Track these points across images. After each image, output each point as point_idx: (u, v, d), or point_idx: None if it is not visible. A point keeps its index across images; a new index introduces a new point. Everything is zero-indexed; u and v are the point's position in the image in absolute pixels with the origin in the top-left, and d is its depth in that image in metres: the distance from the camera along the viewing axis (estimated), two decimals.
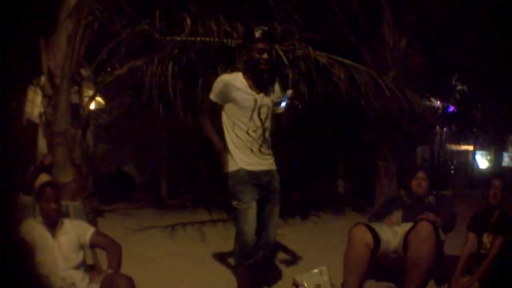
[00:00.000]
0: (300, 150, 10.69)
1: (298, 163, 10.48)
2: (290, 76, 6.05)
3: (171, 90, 5.98)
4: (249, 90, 3.80)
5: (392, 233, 4.40)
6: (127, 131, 10.65)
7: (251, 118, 3.81)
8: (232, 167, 3.85)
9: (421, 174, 4.92)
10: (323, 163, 11.51)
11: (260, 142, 3.86)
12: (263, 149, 3.89)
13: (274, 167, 4.04)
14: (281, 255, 5.46)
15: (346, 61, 6.48)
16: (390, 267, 4.55)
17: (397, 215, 4.68)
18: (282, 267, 5.11)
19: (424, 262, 3.98)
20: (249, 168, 3.84)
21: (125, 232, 6.03)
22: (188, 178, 10.50)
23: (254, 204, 3.83)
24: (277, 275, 4.89)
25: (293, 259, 5.34)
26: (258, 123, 3.84)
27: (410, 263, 4.04)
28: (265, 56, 3.74)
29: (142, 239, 6.14)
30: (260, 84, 3.87)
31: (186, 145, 10.13)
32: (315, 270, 4.53)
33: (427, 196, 4.84)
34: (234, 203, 3.83)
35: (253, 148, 3.84)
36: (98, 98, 8.89)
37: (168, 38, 6.15)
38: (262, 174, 3.90)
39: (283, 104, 3.85)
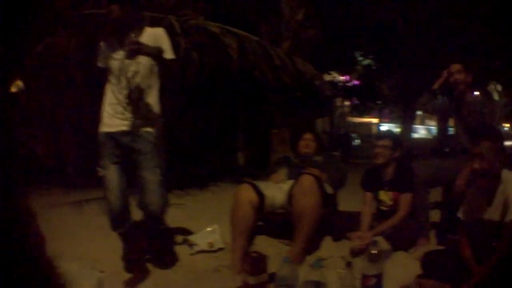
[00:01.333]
0: (201, 124, 10.71)
1: (198, 138, 10.50)
2: (183, 45, 6.05)
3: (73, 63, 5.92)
4: (114, 52, 3.71)
5: (278, 190, 4.50)
6: (39, 113, 10.37)
7: (117, 80, 3.71)
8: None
9: (308, 135, 5.04)
10: (223, 136, 11.53)
11: (124, 104, 3.70)
12: (127, 111, 3.70)
13: (142, 128, 3.75)
14: (178, 221, 5.57)
15: (239, 31, 6.59)
16: (281, 223, 4.68)
17: (283, 172, 4.81)
18: (178, 232, 5.15)
19: (309, 213, 4.04)
20: (107, 129, 3.73)
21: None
22: (94, 156, 10.32)
23: (113, 168, 3.72)
24: (174, 240, 4.92)
25: (190, 224, 5.37)
26: (124, 84, 3.69)
27: (296, 215, 4.11)
28: (104, 10, 3.68)
29: (51, 216, 6.06)
30: (123, 43, 3.70)
31: (90, 122, 9.92)
32: (208, 229, 4.70)
33: (314, 156, 4.94)
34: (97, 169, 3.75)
35: (117, 110, 3.71)
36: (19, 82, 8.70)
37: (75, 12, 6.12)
38: (121, 135, 3.71)
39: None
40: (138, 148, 3.74)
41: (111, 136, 3.73)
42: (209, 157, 10.43)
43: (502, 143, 3.34)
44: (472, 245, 3.52)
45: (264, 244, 4.62)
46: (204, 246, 4.58)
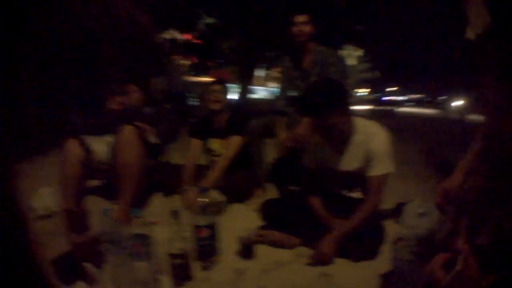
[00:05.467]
0: None
1: None
2: None
3: None
4: None
5: (103, 143, 4.22)
6: None
7: None
8: None
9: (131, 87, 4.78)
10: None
11: None
12: None
13: None
14: None
15: None
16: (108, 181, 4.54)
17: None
18: None
19: (129, 166, 3.86)
20: None
21: None
22: None
23: None
24: None
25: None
26: None
27: (118, 169, 3.89)
28: None
29: None
30: None
31: None
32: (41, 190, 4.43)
33: (143, 107, 4.67)
34: None
35: None
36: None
37: None
38: None
39: None
40: None
41: None
42: None
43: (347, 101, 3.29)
44: (323, 196, 3.53)
45: (93, 205, 4.42)
46: (41, 211, 4.32)
